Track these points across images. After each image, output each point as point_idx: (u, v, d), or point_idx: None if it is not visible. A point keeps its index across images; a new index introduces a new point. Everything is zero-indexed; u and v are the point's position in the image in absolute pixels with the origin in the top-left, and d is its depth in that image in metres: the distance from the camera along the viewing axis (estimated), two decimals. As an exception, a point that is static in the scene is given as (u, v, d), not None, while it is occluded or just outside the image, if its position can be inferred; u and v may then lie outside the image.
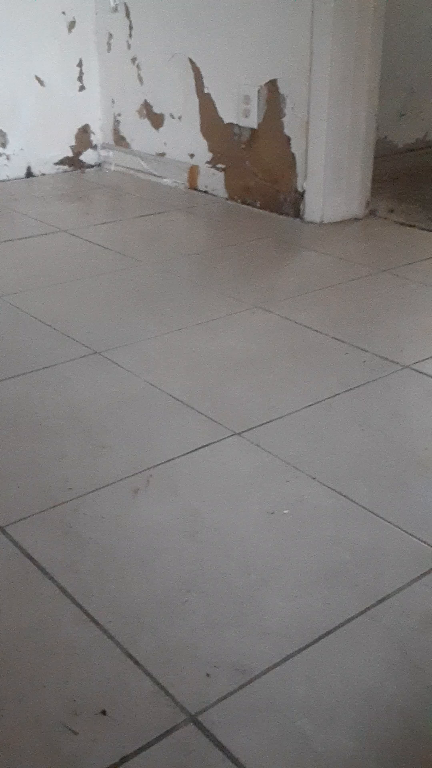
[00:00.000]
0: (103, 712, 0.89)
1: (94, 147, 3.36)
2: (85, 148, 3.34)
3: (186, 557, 1.13)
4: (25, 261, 2.33)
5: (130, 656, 0.97)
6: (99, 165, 3.38)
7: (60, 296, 2.06)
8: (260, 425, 1.46)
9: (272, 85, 2.64)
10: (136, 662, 0.96)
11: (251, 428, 1.45)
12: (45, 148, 3.22)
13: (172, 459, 1.36)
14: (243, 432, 1.44)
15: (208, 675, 0.94)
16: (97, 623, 1.01)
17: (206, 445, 1.40)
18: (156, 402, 1.54)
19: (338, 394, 1.57)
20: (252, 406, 1.53)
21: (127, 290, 2.12)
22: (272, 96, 2.66)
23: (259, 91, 2.69)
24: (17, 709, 0.89)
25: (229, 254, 2.39)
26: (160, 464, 1.34)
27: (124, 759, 0.84)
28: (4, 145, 3.13)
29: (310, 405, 1.53)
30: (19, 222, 2.69)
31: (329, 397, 1.56)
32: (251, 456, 1.37)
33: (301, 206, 2.68)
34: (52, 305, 2.00)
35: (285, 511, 1.23)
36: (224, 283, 2.14)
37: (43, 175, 3.25)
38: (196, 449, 1.39)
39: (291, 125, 2.64)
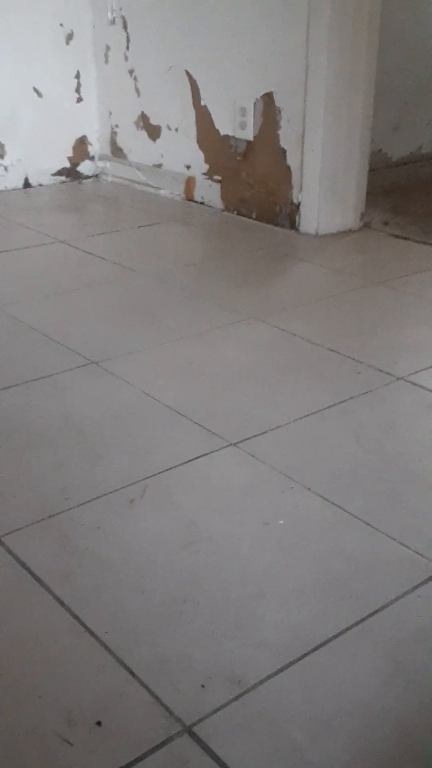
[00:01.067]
0: (99, 723, 0.89)
1: (92, 158, 3.38)
2: (83, 159, 3.36)
3: (182, 568, 1.14)
4: (22, 271, 2.34)
5: (125, 667, 0.97)
6: (96, 176, 3.40)
7: (57, 306, 2.07)
8: (256, 436, 1.47)
9: (268, 97, 2.67)
10: (132, 673, 0.96)
11: (247, 439, 1.46)
12: (43, 159, 3.24)
13: (168, 469, 1.36)
14: (238, 443, 1.44)
15: (203, 686, 0.94)
16: (93, 634, 1.02)
17: (202, 456, 1.41)
18: (152, 412, 1.55)
19: (333, 405, 1.58)
20: (248, 416, 1.54)
21: (124, 301, 2.13)
22: (268, 108, 2.68)
23: (255, 104, 2.71)
24: (13, 719, 0.90)
25: (225, 265, 2.41)
26: (156, 474, 1.35)
27: (132, 763, 0.84)
28: (2, 156, 3.14)
29: (305, 416, 1.54)
30: (16, 232, 2.70)
31: (324, 408, 1.57)
32: (247, 466, 1.38)
33: (297, 218, 2.70)
34: (49, 315, 2.01)
35: (280, 522, 1.24)
36: (220, 295, 2.15)
37: (41, 185, 3.26)
38: (192, 459, 1.39)
39: (287, 137, 2.66)
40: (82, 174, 3.37)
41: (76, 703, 0.92)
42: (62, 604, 1.06)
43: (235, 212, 2.90)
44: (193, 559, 1.15)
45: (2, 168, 3.16)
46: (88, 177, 3.38)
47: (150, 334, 1.91)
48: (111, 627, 1.03)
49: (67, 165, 3.32)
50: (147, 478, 1.34)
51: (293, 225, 2.72)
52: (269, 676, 0.96)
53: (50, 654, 0.99)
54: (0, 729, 0.89)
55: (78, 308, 2.07)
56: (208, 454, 1.41)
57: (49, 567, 1.13)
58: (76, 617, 1.04)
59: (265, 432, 1.48)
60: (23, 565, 1.13)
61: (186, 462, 1.38)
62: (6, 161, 3.16)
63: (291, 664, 0.98)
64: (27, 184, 3.23)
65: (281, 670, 0.97)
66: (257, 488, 1.32)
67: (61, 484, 1.32)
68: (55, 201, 3.10)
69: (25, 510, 1.25)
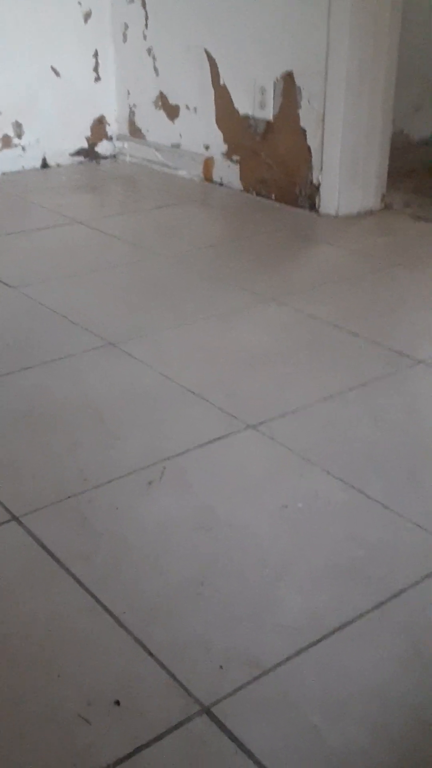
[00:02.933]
0: (117, 703, 0.90)
1: (110, 138, 3.36)
2: (101, 140, 3.34)
3: (199, 551, 1.14)
4: (40, 252, 2.33)
5: (144, 647, 0.97)
6: (114, 156, 3.38)
7: (75, 288, 2.07)
8: (274, 418, 1.46)
9: (288, 77, 2.63)
10: (150, 653, 0.96)
11: (265, 421, 1.45)
12: (61, 139, 3.22)
13: (186, 451, 1.36)
14: (257, 425, 1.44)
15: (221, 667, 0.95)
16: (111, 614, 1.02)
17: (220, 438, 1.40)
18: (170, 394, 1.55)
19: (353, 389, 1.57)
20: (266, 399, 1.53)
21: (142, 282, 2.12)
22: (288, 88, 2.65)
23: (275, 83, 2.67)
24: (33, 699, 0.90)
25: (244, 247, 2.39)
26: (174, 456, 1.35)
27: (138, 749, 0.85)
28: (20, 136, 3.13)
29: (324, 399, 1.53)
30: (34, 213, 2.69)
31: (344, 391, 1.56)
32: (265, 449, 1.37)
33: (317, 199, 2.67)
34: (67, 296, 2.00)
35: (299, 505, 1.23)
36: (239, 276, 2.14)
37: (59, 166, 3.25)
38: (210, 442, 1.39)
39: (307, 118, 2.62)
40: (100, 154, 3.35)
41: (95, 683, 0.92)
42: (81, 584, 1.07)
43: (254, 193, 2.88)
44: (210, 541, 1.15)
45: (20, 148, 3.14)
46: (106, 157, 3.36)
47: (168, 315, 1.90)
48: (129, 608, 1.03)
49: (85, 145, 3.30)
50: (165, 460, 1.34)
51: (313, 206, 2.69)
52: (287, 659, 0.96)
53: (69, 634, 0.99)
54: (21, 708, 0.89)
55: (96, 289, 2.06)
56: (226, 436, 1.41)
57: (68, 547, 1.13)
58: (94, 597, 1.04)
59: (283, 415, 1.48)
60: (42, 545, 1.14)
61: (204, 444, 1.38)
62: (24, 141, 3.15)
63: (309, 647, 0.98)
64: (45, 164, 3.22)
65: (299, 653, 0.97)
66: (276, 471, 1.32)
67: (79, 465, 1.32)
68: (73, 181, 3.09)
69: (43, 491, 1.26)
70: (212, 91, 2.92)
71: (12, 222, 2.60)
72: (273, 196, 2.82)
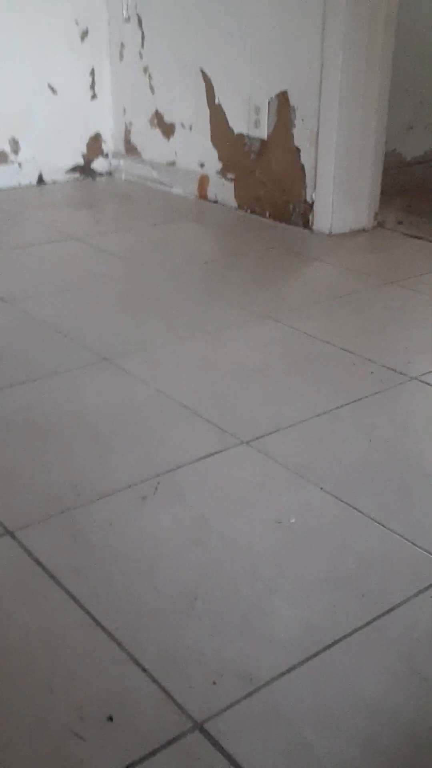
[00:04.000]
0: (110, 718, 0.90)
1: (106, 155, 3.38)
2: (97, 156, 3.36)
3: (193, 564, 1.14)
4: (36, 267, 2.34)
5: (136, 662, 0.97)
6: (110, 173, 3.40)
7: (70, 303, 2.08)
8: (268, 434, 1.47)
9: (283, 96, 2.66)
10: (143, 669, 0.96)
11: (259, 437, 1.46)
12: (57, 155, 3.25)
13: (180, 467, 1.36)
14: (251, 441, 1.44)
15: (214, 683, 0.94)
16: (104, 629, 1.02)
17: (214, 453, 1.41)
18: (164, 409, 1.55)
19: (345, 405, 1.58)
20: (260, 415, 1.54)
21: (136, 297, 2.13)
22: (282, 107, 2.68)
23: (269, 102, 2.70)
24: (25, 713, 0.90)
25: (238, 264, 2.40)
26: (168, 471, 1.35)
27: (131, 766, 0.84)
28: (16, 152, 3.15)
29: (317, 415, 1.54)
30: (30, 229, 2.71)
31: (336, 408, 1.57)
32: (259, 465, 1.38)
33: (311, 217, 2.69)
34: (62, 311, 2.01)
35: (292, 520, 1.23)
36: (233, 293, 2.15)
37: (55, 182, 3.27)
38: (203, 457, 1.39)
39: (301, 136, 2.65)
40: (96, 171, 3.37)
41: (88, 698, 0.92)
42: (73, 598, 1.07)
43: (249, 211, 2.90)
44: (204, 555, 1.15)
45: (16, 164, 3.16)
46: (102, 174, 3.39)
47: (162, 331, 1.91)
48: (122, 622, 1.03)
49: (81, 162, 3.33)
50: (159, 475, 1.34)
51: (307, 224, 2.71)
52: (280, 674, 0.96)
53: (61, 649, 0.99)
54: (11, 723, 0.89)
55: (91, 304, 2.07)
56: (220, 452, 1.41)
57: (61, 562, 1.13)
58: (87, 612, 1.04)
59: (277, 430, 1.48)
60: (35, 559, 1.13)
61: (198, 460, 1.38)
62: (20, 157, 3.17)
63: (302, 662, 0.98)
64: (41, 181, 3.24)
65: (292, 668, 0.97)
66: (269, 486, 1.32)
67: (73, 480, 1.32)
68: (68, 198, 3.10)
69: (37, 505, 1.25)
70: (207, 110, 2.95)
71: (7, 237, 2.61)
72: (267, 213, 2.84)
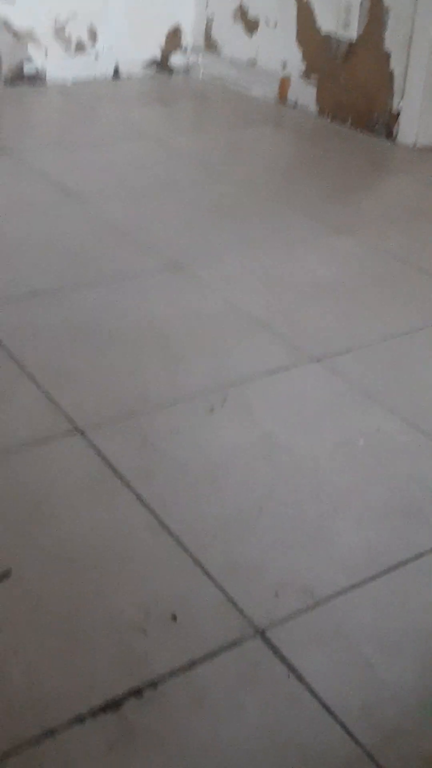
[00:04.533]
0: (174, 618, 0.92)
1: (184, 50, 3.25)
2: (175, 51, 3.23)
3: (258, 478, 1.14)
4: (107, 167, 2.30)
5: (201, 567, 0.99)
6: (187, 70, 3.27)
7: (141, 205, 2.04)
8: (339, 354, 1.44)
9: (378, -6, 2.49)
10: (207, 573, 0.98)
11: (330, 356, 1.43)
12: (134, 48, 3.13)
13: (249, 380, 1.36)
14: (321, 358, 1.42)
15: (276, 594, 0.96)
16: (170, 532, 1.04)
17: (283, 370, 1.39)
18: (234, 320, 1.53)
19: (421, 329, 1.54)
20: (332, 333, 1.51)
21: (209, 203, 2.08)
22: (375, 7, 2.51)
23: (361, 1, 2.54)
24: (93, 608, 0.93)
25: (317, 173, 2.32)
26: (236, 384, 1.34)
27: (193, 664, 0.87)
28: (93, 43, 3.05)
29: (392, 337, 1.50)
30: (103, 125, 2.64)
31: (412, 331, 1.53)
32: (328, 384, 1.36)
33: (395, 127, 2.56)
34: (135, 214, 1.98)
35: (360, 443, 1.22)
36: (310, 204, 2.08)
37: (130, 77, 3.16)
38: (273, 372, 1.38)
39: (392, 40, 2.49)
40: (173, 67, 3.25)
41: (153, 597, 0.95)
42: (141, 500, 1.09)
43: (330, 117, 2.77)
44: (269, 470, 1.16)
45: (93, 55, 3.06)
46: (178, 70, 3.26)
47: (236, 240, 1.87)
48: (188, 528, 1.05)
49: (159, 56, 3.20)
50: (227, 387, 1.33)
51: (390, 134, 2.59)
52: (342, 592, 0.97)
53: (129, 548, 1.01)
54: (79, 613, 0.92)
55: (162, 208, 2.03)
56: (289, 368, 1.40)
57: (130, 464, 1.15)
58: (154, 515, 1.06)
59: (349, 350, 1.46)
60: (105, 459, 1.15)
61: (267, 375, 1.37)
62: (97, 48, 3.06)
63: (364, 582, 0.98)
64: (116, 74, 3.13)
65: (354, 587, 0.98)
66: (338, 407, 1.31)
67: (141, 385, 1.33)
68: (144, 94, 3.01)
69: (106, 407, 1.27)
70: (294, 6, 2.78)
71: (81, 134, 2.55)
72: (349, 121, 2.71)
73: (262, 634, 0.91)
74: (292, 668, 0.87)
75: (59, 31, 2.98)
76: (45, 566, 0.98)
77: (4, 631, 0.89)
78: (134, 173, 2.25)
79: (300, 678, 0.86)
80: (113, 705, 0.83)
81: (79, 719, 0.81)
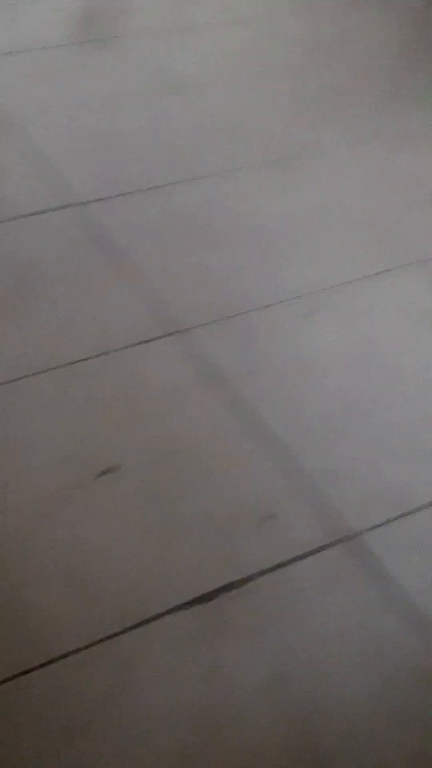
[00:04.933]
0: (268, 517, 0.95)
1: None
2: None
3: (357, 384, 1.14)
4: (206, 52, 2.20)
5: (298, 468, 1.01)
6: None
7: (243, 94, 1.96)
8: (446, 258, 1.39)
9: None
10: (303, 475, 1.00)
11: (436, 260, 1.38)
12: None
13: (350, 282, 1.33)
14: (426, 261, 1.37)
15: (369, 500, 0.97)
16: (269, 433, 1.05)
17: (385, 271, 1.35)
18: (336, 220, 1.49)
19: None
20: (439, 236, 1.44)
21: (315, 92, 1.98)
22: None
23: None
24: (192, 504, 0.97)
25: None
26: (337, 286, 1.32)
27: (285, 562, 0.90)
28: None
29: None
30: (201, 5, 2.52)
31: None
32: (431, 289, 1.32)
33: None
34: (236, 103, 1.90)
35: (463, 352, 1.19)
36: (424, 95, 1.95)
37: None
38: (375, 274, 1.34)
39: None
40: None
41: (249, 496, 0.98)
42: (241, 399, 1.10)
43: (447, -5, 2.55)
44: (367, 376, 1.15)
45: None
46: None
47: (341, 133, 1.78)
48: (286, 428, 1.06)
49: None
50: (328, 289, 1.31)
51: None
52: (435, 502, 0.97)
53: (229, 448, 1.04)
54: (176, 508, 0.96)
55: (266, 97, 1.95)
56: (391, 270, 1.36)
57: (232, 363, 1.16)
58: (254, 415, 1.08)
59: (456, 255, 1.40)
60: (206, 358, 1.16)
61: (368, 276, 1.34)
62: None
63: (459, 493, 0.98)
64: None
65: (449, 497, 0.98)
66: (442, 313, 1.27)
67: (243, 283, 1.32)
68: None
69: (206, 307, 1.27)
70: None
71: (176, 17, 2.44)
72: (469, -1, 2.49)
73: (355, 536, 0.93)
74: (385, 571, 0.89)
75: None
76: (147, 461, 1.01)
77: (108, 523, 0.94)
78: (236, 59, 2.15)
79: (392, 580, 0.88)
80: (207, 597, 0.87)
81: (176, 608, 0.86)
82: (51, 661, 0.80)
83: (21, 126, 1.77)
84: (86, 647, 0.82)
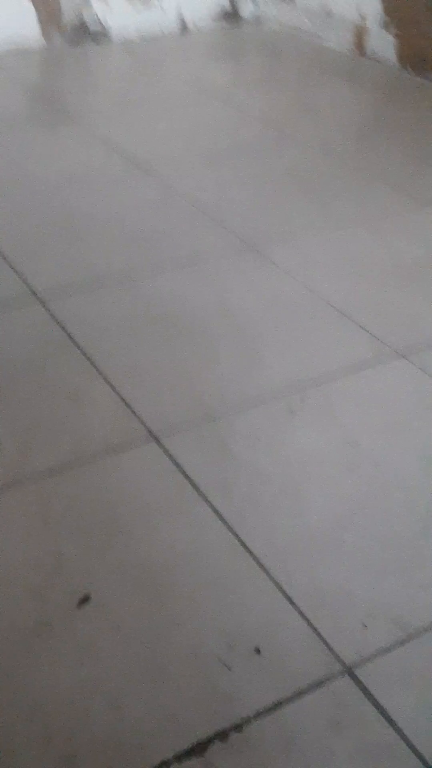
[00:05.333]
0: (258, 651, 0.89)
1: None
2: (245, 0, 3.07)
3: (343, 492, 1.09)
4: (175, 131, 2.21)
5: (284, 594, 0.95)
6: (258, 20, 3.12)
7: (212, 174, 1.95)
8: (430, 347, 1.35)
9: None
10: (291, 601, 0.94)
11: (418, 350, 1.35)
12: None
13: (331, 378, 1.29)
14: (409, 354, 1.34)
15: (365, 625, 0.91)
16: (251, 553, 1.00)
17: (368, 367, 1.32)
18: (314, 309, 1.46)
19: None
20: (421, 323, 1.42)
21: (283, 172, 1.98)
22: None
23: None
24: (175, 636, 0.90)
25: (400, 137, 2.18)
26: (317, 383, 1.28)
27: (279, 704, 0.84)
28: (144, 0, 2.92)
29: None
30: (170, 84, 2.54)
31: None
32: (418, 383, 1.28)
33: None
34: (204, 185, 1.89)
35: (452, 451, 1.15)
36: (394, 173, 1.96)
37: (198, 30, 3.03)
38: (356, 369, 1.31)
39: None
40: (242, 18, 3.10)
41: (235, 626, 0.91)
42: (220, 517, 1.04)
43: (413, 72, 2.60)
44: (355, 483, 1.10)
45: (159, 8, 2.94)
46: (249, 21, 3.11)
47: (313, 216, 1.77)
48: (270, 548, 1.00)
49: (228, 6, 3.05)
50: (307, 385, 1.27)
51: None
52: (435, 625, 0.91)
53: (209, 569, 0.98)
54: (162, 642, 0.89)
55: (234, 179, 1.94)
56: (374, 364, 1.32)
57: (209, 476, 1.10)
58: (234, 534, 1.02)
59: (438, 343, 1.37)
60: (183, 471, 1.11)
61: (350, 372, 1.30)
62: (164, 1, 2.93)
63: (459, 614, 0.93)
64: (184, 27, 3.01)
65: (449, 619, 0.92)
66: (429, 409, 1.23)
67: (218, 382, 1.28)
68: (212, 48, 2.88)
69: (182, 409, 1.22)
70: None
71: (148, 94, 2.46)
72: (432, 74, 2.54)
73: (350, 671, 0.87)
74: (382, 711, 0.83)
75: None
76: (124, 590, 0.95)
77: (86, 663, 0.87)
78: (204, 137, 2.16)
79: (391, 722, 0.82)
80: (198, 749, 0.80)
81: (165, 764, 0.78)
82: None
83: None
84: None
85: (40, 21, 2.77)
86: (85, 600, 0.93)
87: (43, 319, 1.41)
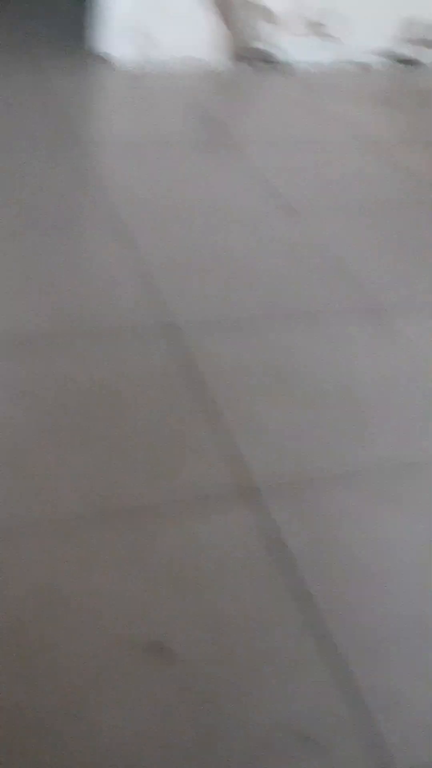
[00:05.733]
0: (308, 740, 0.86)
1: (421, 42, 3.03)
2: (410, 40, 3.02)
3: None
4: (327, 176, 2.19)
5: (357, 692, 0.92)
6: (419, 62, 3.06)
7: (352, 227, 1.93)
8: None
9: None
10: (359, 692, 0.91)
11: None
12: (367, 33, 2.94)
13: (437, 466, 1.25)
14: None
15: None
16: (328, 639, 0.97)
17: None
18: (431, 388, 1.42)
19: None
20: None
21: (425, 235, 1.93)
22: None
23: None
24: (229, 716, 0.88)
25: None
26: (425, 464, 1.24)
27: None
28: (325, 24, 2.91)
29: None
30: (326, 126, 2.53)
31: None
32: None
33: None
34: (340, 236, 1.87)
35: None
36: None
37: (365, 68, 3.00)
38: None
39: None
40: (413, 59, 3.04)
41: (294, 713, 0.89)
42: (299, 596, 1.02)
43: None
44: (447, 582, 1.06)
45: (346, 44, 2.91)
46: (419, 63, 3.05)
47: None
48: (350, 639, 0.97)
49: (392, 46, 3.01)
50: (411, 470, 1.23)
51: None
52: None
53: (279, 644, 0.96)
54: (218, 722, 0.88)
55: (376, 234, 1.91)
56: None
57: (301, 545, 1.08)
58: (318, 611, 1.00)
59: None
60: (275, 534, 1.10)
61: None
62: (330, 30, 2.92)
63: None
64: (351, 62, 2.98)
65: None
66: None
67: (322, 447, 1.26)
68: (378, 91, 2.85)
69: (283, 466, 1.21)
70: None
71: (310, 131, 2.45)
72: None
73: (408, 785, 0.83)
74: None
75: (301, 12, 2.87)
76: (200, 646, 0.94)
77: (150, 718, 0.87)
78: (356, 188, 2.13)
79: None
80: None
81: None
82: None
83: (125, 223, 1.79)
84: None
85: (221, 44, 2.82)
86: (154, 648, 0.94)
87: (172, 343, 1.43)
